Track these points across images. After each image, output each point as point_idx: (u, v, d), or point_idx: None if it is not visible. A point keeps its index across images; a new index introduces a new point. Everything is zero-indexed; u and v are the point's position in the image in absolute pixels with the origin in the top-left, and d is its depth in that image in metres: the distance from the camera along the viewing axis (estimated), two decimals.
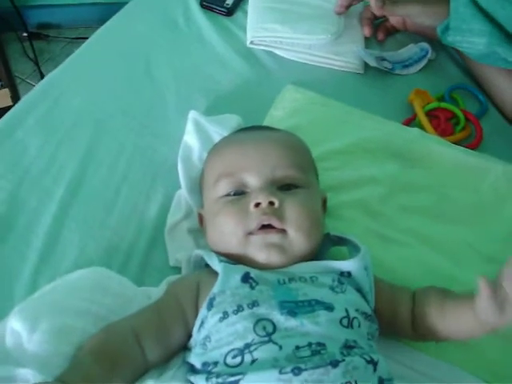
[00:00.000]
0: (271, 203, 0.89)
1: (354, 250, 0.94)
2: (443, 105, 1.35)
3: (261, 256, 0.88)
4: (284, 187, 0.93)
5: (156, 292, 0.95)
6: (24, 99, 1.32)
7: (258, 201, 0.89)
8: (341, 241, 0.97)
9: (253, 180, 0.93)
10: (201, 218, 1.02)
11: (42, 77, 2.62)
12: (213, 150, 1.05)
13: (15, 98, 2.34)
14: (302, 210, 0.91)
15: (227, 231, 0.91)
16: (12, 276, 0.99)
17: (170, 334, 0.86)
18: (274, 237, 0.89)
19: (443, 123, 1.32)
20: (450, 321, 0.87)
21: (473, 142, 1.30)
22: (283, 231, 0.89)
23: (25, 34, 2.71)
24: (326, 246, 0.98)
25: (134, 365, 0.83)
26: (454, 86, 1.43)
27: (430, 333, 0.91)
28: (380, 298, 0.92)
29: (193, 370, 0.84)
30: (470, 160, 1.21)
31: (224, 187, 0.94)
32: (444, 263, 1.05)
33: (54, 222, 1.07)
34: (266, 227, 0.89)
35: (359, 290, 0.89)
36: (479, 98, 1.43)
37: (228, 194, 0.94)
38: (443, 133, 1.29)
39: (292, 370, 0.74)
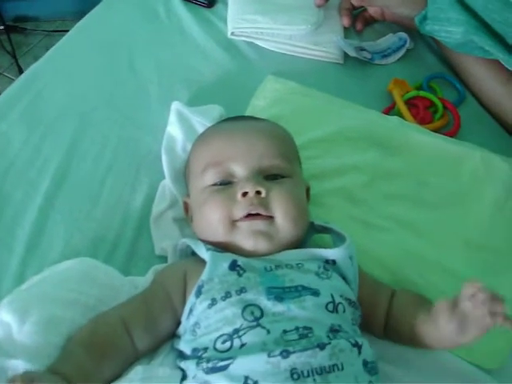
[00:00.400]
0: (258, 193, 0.90)
1: (337, 238, 0.96)
2: (422, 93, 1.37)
3: (248, 243, 0.90)
4: (270, 177, 0.95)
5: (143, 281, 0.97)
6: (6, 92, 1.31)
7: (245, 190, 0.90)
8: (324, 229, 0.99)
9: (240, 170, 0.94)
10: (186, 207, 1.03)
11: (20, 70, 2.60)
12: (199, 139, 1.06)
13: None
14: (289, 198, 0.93)
15: (214, 220, 0.92)
16: None
17: (159, 323, 0.87)
18: (260, 224, 0.90)
19: (422, 111, 1.34)
20: (419, 333, 0.88)
21: (451, 130, 1.32)
22: (270, 218, 0.91)
23: (1, 27, 2.68)
24: (309, 234, 1.00)
25: (123, 354, 0.84)
26: (432, 76, 1.45)
27: (399, 337, 0.93)
28: (361, 290, 0.94)
29: (182, 356, 0.86)
30: (448, 147, 1.23)
31: (211, 177, 0.95)
32: (426, 248, 1.07)
33: (40, 214, 1.07)
34: (252, 215, 0.91)
35: (344, 277, 0.91)
36: (457, 87, 1.45)
37: (215, 184, 0.95)
38: (422, 121, 1.32)
39: (280, 353, 0.76)
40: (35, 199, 1.09)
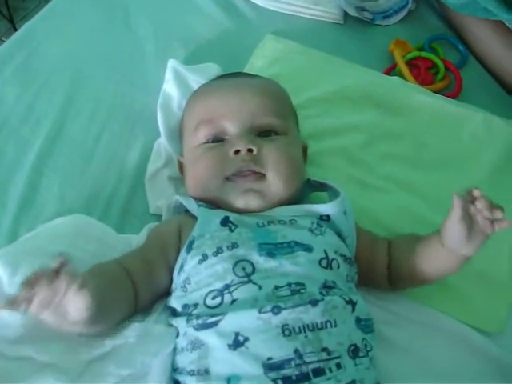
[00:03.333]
0: (250, 150, 0.89)
1: (333, 195, 0.94)
2: (423, 54, 1.35)
3: (239, 201, 0.89)
4: (263, 133, 0.93)
5: (137, 239, 0.96)
6: None
7: (237, 148, 0.89)
8: (321, 186, 0.98)
9: (232, 127, 0.93)
10: (181, 166, 1.02)
11: None
12: (193, 96, 1.05)
13: None
14: (281, 155, 0.91)
15: (206, 177, 0.91)
16: None
17: (156, 276, 0.87)
18: (252, 182, 0.89)
19: (423, 72, 1.32)
20: (423, 261, 0.89)
21: (452, 92, 1.30)
22: (262, 176, 0.90)
23: None
24: (306, 191, 0.99)
25: (127, 298, 0.83)
26: (434, 37, 1.43)
27: (406, 281, 0.93)
28: (360, 244, 0.93)
29: (174, 314, 0.86)
30: (449, 108, 1.21)
31: (204, 134, 0.94)
32: (423, 208, 1.06)
33: (33, 172, 1.06)
34: (244, 173, 0.89)
35: (338, 233, 0.90)
36: (459, 49, 1.42)
37: (207, 141, 0.94)
38: (423, 82, 1.30)
39: (271, 310, 0.75)
40: (29, 157, 1.08)
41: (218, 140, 0.93)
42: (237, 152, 0.90)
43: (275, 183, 0.90)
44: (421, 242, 0.91)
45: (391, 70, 1.34)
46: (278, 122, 0.96)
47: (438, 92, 1.27)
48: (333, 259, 0.84)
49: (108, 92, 1.20)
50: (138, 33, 1.34)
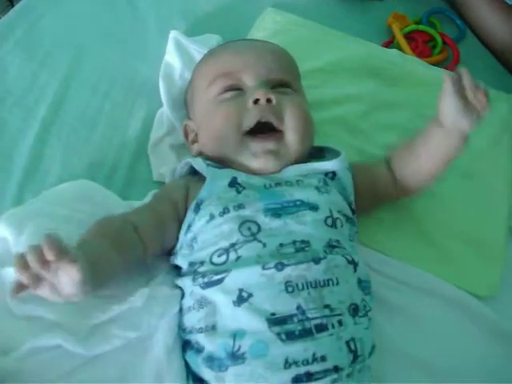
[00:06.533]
0: (269, 100, 0.90)
1: (334, 157, 0.95)
2: (421, 27, 1.37)
3: (257, 162, 0.90)
4: (279, 88, 0.95)
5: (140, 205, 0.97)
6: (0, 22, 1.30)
7: (257, 97, 0.90)
8: (320, 153, 0.99)
9: (249, 79, 0.94)
10: (186, 131, 1.03)
11: None
12: (203, 60, 1.06)
13: None
14: (299, 110, 0.93)
15: (224, 129, 0.91)
16: None
17: (166, 227, 0.87)
18: (271, 144, 0.90)
19: (421, 45, 1.34)
20: (425, 151, 0.93)
21: (449, 65, 1.32)
22: (281, 135, 0.91)
23: None
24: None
25: (133, 251, 0.83)
26: (433, 10, 1.45)
27: (413, 181, 0.97)
28: (358, 179, 0.95)
29: (179, 274, 0.87)
30: None
31: (220, 85, 0.95)
32: None
33: (37, 140, 1.08)
34: (264, 134, 0.90)
35: (343, 190, 0.92)
36: (457, 23, 1.45)
37: (224, 91, 0.94)
38: (421, 55, 1.32)
39: (275, 266, 0.77)
40: (33, 125, 1.09)
41: (234, 89, 0.94)
42: (256, 102, 0.90)
43: (293, 141, 0.91)
44: (417, 136, 0.95)
45: (390, 44, 1.37)
46: (291, 79, 0.98)
47: (435, 65, 1.29)
48: (337, 218, 0.86)
49: (110, 64, 1.21)
50: (138, 6, 1.34)
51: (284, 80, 0.96)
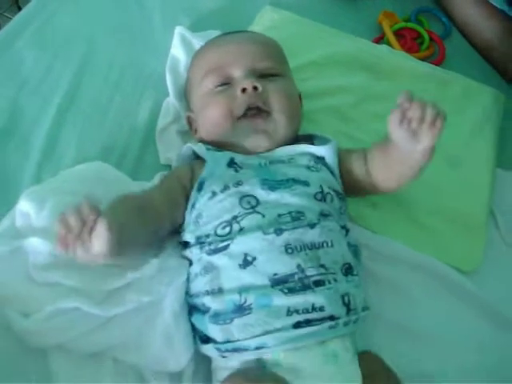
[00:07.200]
0: (255, 88, 1.00)
1: (323, 143, 1.03)
2: (410, 25, 1.45)
3: (249, 141, 1.00)
4: (264, 75, 1.04)
5: (149, 185, 1.04)
6: (15, 19, 1.37)
7: (244, 86, 1.00)
8: (309, 139, 1.07)
9: (236, 71, 1.03)
10: (189, 121, 1.12)
11: (20, 10, 2.61)
12: (196, 54, 1.16)
13: None
14: (284, 93, 1.03)
15: (217, 118, 1.01)
16: (17, 171, 1.09)
17: (177, 204, 0.95)
18: (260, 123, 1.00)
19: (409, 41, 1.43)
20: (394, 160, 0.94)
21: (436, 60, 1.41)
22: (268, 115, 1.00)
23: None
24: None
25: (152, 224, 0.90)
26: (420, 9, 1.54)
27: (383, 181, 0.99)
28: (340, 165, 1.01)
29: (187, 246, 0.95)
30: (434, 72, 1.32)
31: (211, 81, 1.05)
32: None
33: (53, 125, 1.16)
34: (253, 114, 1.00)
35: (331, 173, 1.00)
36: (443, 20, 1.53)
37: (215, 87, 1.04)
38: (409, 50, 1.40)
39: (275, 231, 0.87)
40: (49, 112, 1.17)
41: (224, 83, 1.04)
42: (244, 90, 1.00)
43: (280, 121, 1.01)
44: (387, 145, 0.93)
45: (380, 40, 1.45)
46: (276, 64, 1.07)
47: (422, 60, 1.37)
48: (327, 193, 0.94)
49: (120, 56, 1.29)
50: (145, 4, 1.42)
51: (269, 66, 1.05)
